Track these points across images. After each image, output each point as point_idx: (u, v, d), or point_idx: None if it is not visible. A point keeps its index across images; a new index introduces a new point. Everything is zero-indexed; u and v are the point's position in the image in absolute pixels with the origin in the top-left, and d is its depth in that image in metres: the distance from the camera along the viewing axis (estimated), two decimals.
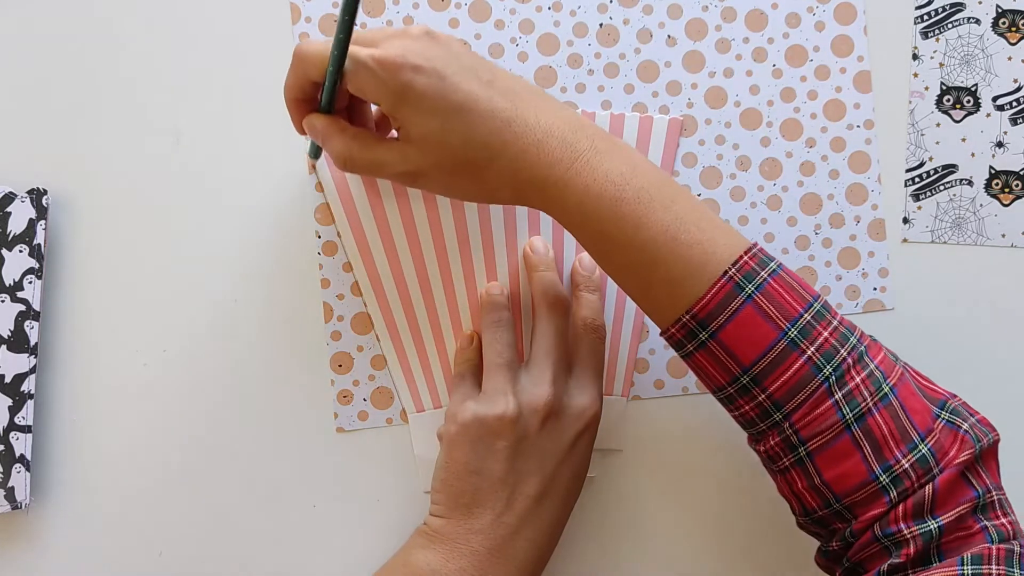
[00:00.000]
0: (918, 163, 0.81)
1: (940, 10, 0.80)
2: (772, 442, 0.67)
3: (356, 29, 0.64)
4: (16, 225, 0.75)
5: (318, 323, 0.80)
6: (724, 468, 0.81)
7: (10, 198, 0.75)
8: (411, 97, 0.64)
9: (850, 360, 0.64)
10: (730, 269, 0.65)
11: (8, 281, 0.75)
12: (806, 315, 0.65)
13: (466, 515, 0.71)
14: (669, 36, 0.80)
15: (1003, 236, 0.81)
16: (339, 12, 0.62)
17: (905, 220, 0.81)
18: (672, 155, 0.80)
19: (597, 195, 0.65)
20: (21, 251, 0.75)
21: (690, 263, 0.65)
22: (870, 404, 0.63)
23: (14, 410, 0.75)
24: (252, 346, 0.80)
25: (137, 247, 0.79)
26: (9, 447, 0.75)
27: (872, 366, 0.64)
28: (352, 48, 0.64)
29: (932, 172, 0.81)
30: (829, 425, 0.64)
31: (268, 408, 0.80)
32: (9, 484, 0.75)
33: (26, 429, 0.75)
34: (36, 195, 0.76)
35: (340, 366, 0.80)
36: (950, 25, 0.80)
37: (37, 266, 0.76)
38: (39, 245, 0.76)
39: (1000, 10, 0.80)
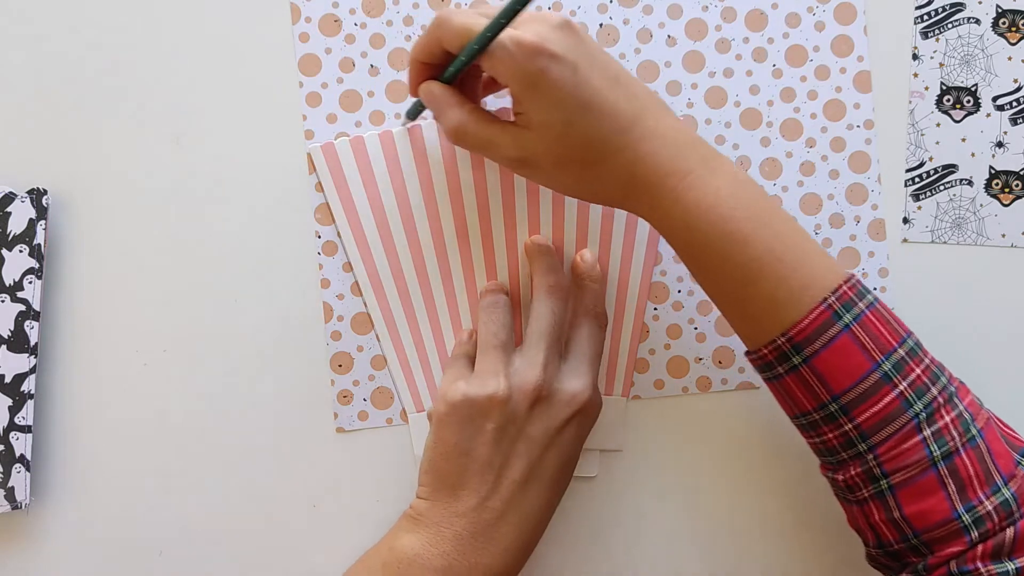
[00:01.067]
0: (918, 163, 0.81)
1: (940, 10, 0.80)
2: (853, 472, 0.67)
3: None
4: (16, 225, 0.75)
5: (318, 323, 0.80)
6: (724, 468, 0.81)
7: (10, 198, 0.75)
8: (542, 85, 0.65)
9: (941, 399, 0.65)
10: (830, 297, 0.65)
11: (8, 281, 0.75)
12: (900, 350, 0.66)
13: (451, 498, 0.70)
14: (669, 36, 0.80)
15: (1003, 236, 0.81)
16: None
17: (905, 220, 0.81)
18: None
19: (706, 210, 0.66)
20: (21, 251, 0.75)
21: (791, 286, 0.66)
22: (958, 444, 0.64)
23: (14, 410, 0.75)
24: (252, 346, 0.80)
25: (137, 247, 0.79)
26: (9, 447, 0.75)
27: (961, 407, 0.65)
28: None
29: (932, 172, 0.81)
30: (915, 461, 0.64)
31: (268, 408, 0.80)
32: (9, 484, 0.75)
33: (26, 429, 0.75)
34: (36, 195, 0.76)
35: (340, 366, 0.80)
36: (950, 25, 0.80)
37: (37, 266, 0.76)
38: (39, 245, 0.76)
39: (1000, 10, 0.80)
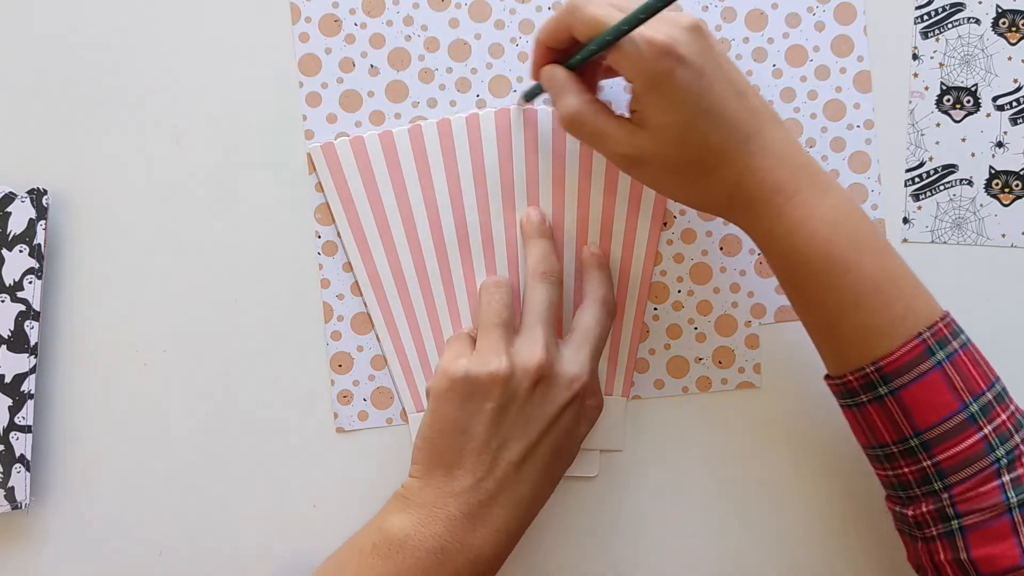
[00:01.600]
0: (918, 163, 0.81)
1: (940, 10, 0.80)
2: (924, 509, 0.67)
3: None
4: (16, 225, 0.75)
5: (318, 323, 0.80)
6: (724, 468, 0.81)
7: (10, 198, 0.75)
8: (666, 86, 0.65)
9: (1023, 447, 0.65)
10: (925, 332, 0.66)
11: (8, 281, 0.75)
12: (988, 394, 0.66)
13: (446, 477, 0.69)
14: None
15: (1003, 236, 0.81)
16: None
17: (905, 220, 0.81)
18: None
19: (811, 232, 0.67)
20: (21, 251, 0.75)
21: (888, 316, 0.66)
22: None
23: (14, 410, 0.75)
24: (252, 346, 0.80)
25: (137, 247, 0.79)
26: (9, 447, 0.75)
27: None
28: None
29: (932, 172, 0.81)
30: (991, 505, 0.64)
31: (268, 408, 0.80)
32: (9, 484, 0.75)
33: (26, 429, 0.75)
34: (36, 195, 0.76)
35: (340, 366, 0.80)
36: (950, 25, 0.80)
37: (37, 266, 0.76)
38: (39, 245, 0.76)
39: (1000, 10, 0.80)
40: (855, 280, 0.66)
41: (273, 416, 0.80)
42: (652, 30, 0.64)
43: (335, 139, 0.79)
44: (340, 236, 0.79)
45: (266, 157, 0.79)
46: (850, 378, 0.68)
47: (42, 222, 0.76)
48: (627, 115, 0.69)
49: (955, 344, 0.66)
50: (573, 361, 0.72)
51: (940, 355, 0.65)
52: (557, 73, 0.70)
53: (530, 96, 0.77)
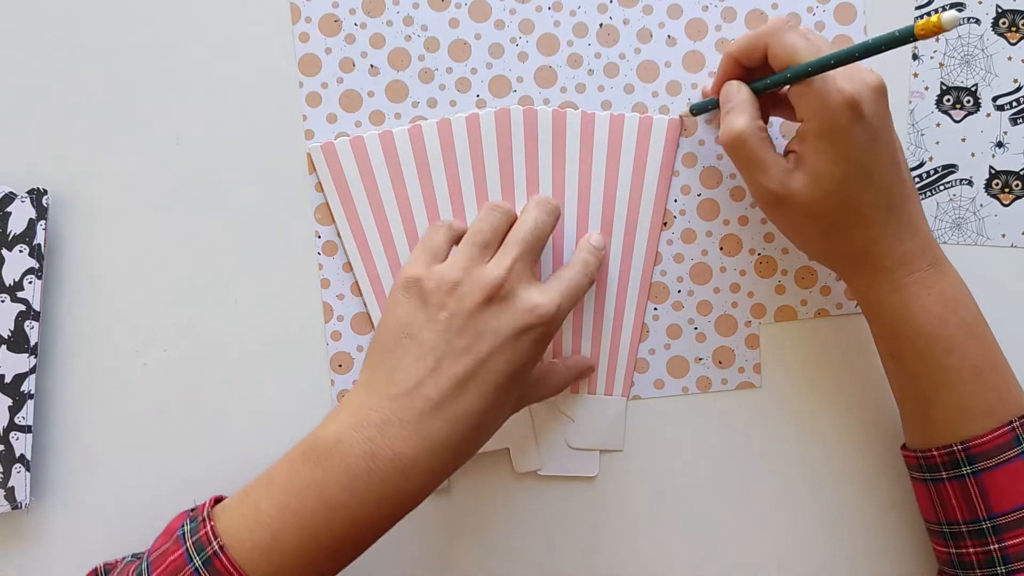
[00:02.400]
0: (918, 163, 0.81)
1: (940, 10, 0.80)
2: None
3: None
4: (16, 225, 0.75)
5: (318, 323, 0.80)
6: (723, 468, 0.81)
7: (10, 198, 0.75)
8: (839, 137, 0.67)
9: None
10: (1015, 420, 0.69)
11: (8, 281, 0.75)
12: None
13: (386, 381, 0.66)
14: (669, 36, 0.80)
15: (1003, 236, 0.81)
16: (872, 40, 0.65)
17: None
18: (672, 155, 0.80)
19: (924, 308, 0.69)
20: (21, 251, 0.75)
21: (983, 401, 0.69)
22: None
23: (14, 410, 0.75)
24: (252, 346, 0.80)
25: (137, 247, 0.79)
26: (9, 447, 0.75)
27: None
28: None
29: (932, 172, 0.81)
30: None
31: (268, 408, 0.80)
32: (9, 484, 0.75)
33: (26, 429, 0.75)
34: (36, 195, 0.76)
35: (340, 366, 0.80)
36: None
37: (37, 266, 0.76)
38: (39, 245, 0.76)
39: (1000, 10, 0.80)
40: (958, 361, 0.69)
41: (273, 416, 0.80)
42: (843, 79, 0.66)
43: (335, 139, 0.79)
44: (340, 236, 0.79)
45: (266, 157, 0.79)
46: (935, 453, 0.70)
47: (42, 222, 0.76)
48: (782, 152, 0.71)
49: None
50: (542, 290, 0.70)
51: None
52: (743, 90, 0.72)
53: (699, 110, 0.78)
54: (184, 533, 0.65)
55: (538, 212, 0.73)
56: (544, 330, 0.68)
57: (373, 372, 0.68)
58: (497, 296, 0.67)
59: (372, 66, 0.79)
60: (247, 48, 0.79)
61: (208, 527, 0.64)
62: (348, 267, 0.79)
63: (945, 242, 0.81)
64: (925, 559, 0.81)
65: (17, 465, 0.75)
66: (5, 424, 0.75)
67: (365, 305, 0.79)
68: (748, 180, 0.72)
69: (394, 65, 0.79)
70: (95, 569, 0.71)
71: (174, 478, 0.79)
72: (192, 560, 0.63)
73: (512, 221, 0.73)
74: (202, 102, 0.79)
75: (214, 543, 0.63)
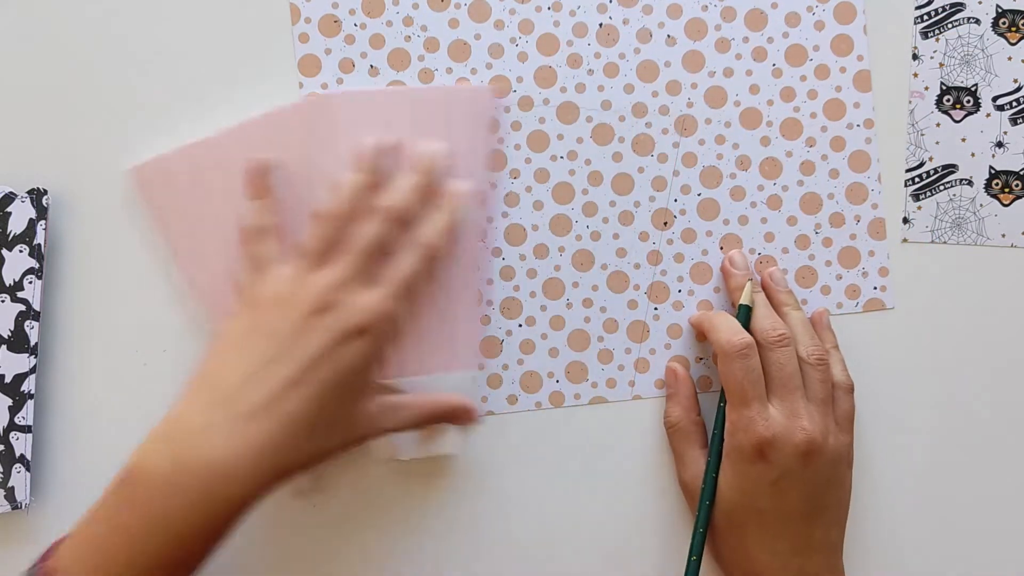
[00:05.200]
0: (918, 163, 0.81)
1: (940, 10, 0.80)
2: None
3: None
4: (16, 225, 0.75)
5: None
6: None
7: (10, 198, 0.75)
8: (738, 465, 0.74)
9: None
10: None
11: (8, 281, 0.75)
12: None
13: (212, 388, 0.67)
14: (669, 36, 0.80)
15: (1003, 236, 0.81)
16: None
17: (905, 220, 0.81)
18: (488, 122, 0.80)
19: None
20: (21, 251, 0.75)
21: None
22: None
23: (14, 410, 0.75)
24: None
25: (137, 247, 0.79)
26: (9, 447, 0.75)
27: None
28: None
29: (932, 172, 0.81)
30: None
31: None
32: (9, 484, 0.75)
33: (26, 429, 0.75)
34: (36, 195, 0.76)
35: None
36: (950, 25, 0.80)
37: (37, 266, 0.76)
38: (39, 245, 0.76)
39: (1000, 10, 0.80)
40: None
41: None
42: (766, 427, 0.72)
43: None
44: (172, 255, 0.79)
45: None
46: None
47: (42, 222, 0.76)
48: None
49: None
50: (371, 292, 0.69)
51: None
52: (687, 382, 0.81)
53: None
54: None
55: (376, 223, 0.71)
56: (375, 332, 0.68)
57: (202, 379, 0.68)
58: (323, 307, 0.68)
59: (372, 67, 0.79)
60: (247, 48, 0.79)
61: (40, 565, 0.66)
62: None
63: (945, 242, 0.81)
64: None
65: (17, 465, 0.75)
66: (5, 424, 0.75)
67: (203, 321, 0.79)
68: (676, 463, 0.80)
69: (394, 65, 0.79)
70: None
71: None
72: None
73: (342, 226, 0.72)
74: (202, 102, 0.79)
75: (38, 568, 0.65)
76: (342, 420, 0.69)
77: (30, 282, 0.75)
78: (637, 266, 0.80)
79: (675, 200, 0.80)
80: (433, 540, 0.80)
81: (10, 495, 0.75)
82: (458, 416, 0.74)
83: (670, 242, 0.80)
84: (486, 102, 0.79)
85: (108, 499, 0.66)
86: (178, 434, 0.65)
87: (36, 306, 0.76)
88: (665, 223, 0.80)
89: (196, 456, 0.63)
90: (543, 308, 0.81)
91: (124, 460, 0.76)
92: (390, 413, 0.71)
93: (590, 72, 0.80)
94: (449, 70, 0.79)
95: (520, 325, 0.81)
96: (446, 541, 0.80)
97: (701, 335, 0.80)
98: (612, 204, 0.80)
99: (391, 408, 0.72)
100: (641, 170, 0.80)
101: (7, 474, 0.75)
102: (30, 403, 0.75)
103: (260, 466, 0.64)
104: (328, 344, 0.67)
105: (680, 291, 0.81)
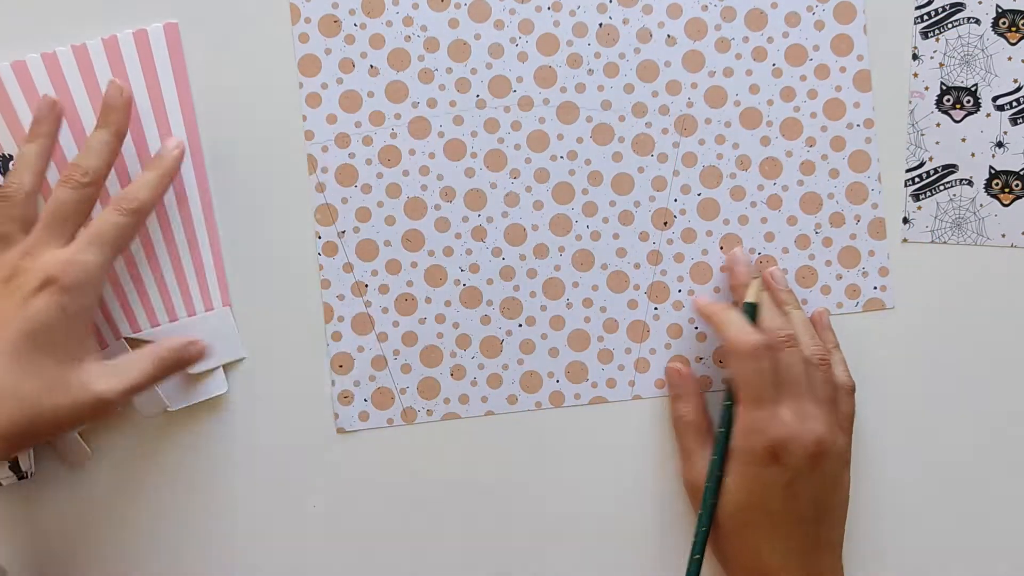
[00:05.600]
0: (918, 163, 0.81)
1: (940, 10, 0.80)
2: None
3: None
4: None
5: (318, 324, 0.80)
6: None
7: None
8: (749, 468, 0.74)
9: None
10: None
11: None
12: None
13: None
14: (669, 36, 0.80)
15: (1003, 236, 0.81)
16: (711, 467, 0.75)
17: (905, 220, 0.81)
18: (181, 64, 0.79)
19: None
20: None
21: None
22: None
23: None
24: (252, 346, 0.80)
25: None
26: None
27: None
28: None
29: (932, 172, 0.81)
30: None
31: (268, 408, 0.80)
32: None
33: None
34: (3, 161, 0.76)
35: (340, 366, 0.80)
36: (950, 25, 0.80)
37: None
38: None
39: (1000, 10, 0.80)
40: None
41: (273, 416, 0.80)
42: (779, 429, 0.72)
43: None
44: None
45: (266, 157, 0.79)
46: None
47: None
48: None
49: None
50: (52, 254, 0.69)
51: None
52: (691, 379, 0.80)
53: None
54: None
55: (62, 189, 0.71)
56: (62, 283, 0.68)
57: None
58: (13, 271, 0.68)
59: (372, 66, 0.79)
60: (247, 48, 0.79)
61: None
62: (349, 267, 0.79)
63: (945, 242, 0.81)
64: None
65: None
66: None
67: None
68: (680, 455, 0.80)
69: (394, 65, 0.79)
70: None
71: (173, 478, 0.80)
72: None
73: (24, 200, 0.72)
74: (202, 102, 0.79)
75: None
76: (54, 380, 0.68)
77: None
78: (637, 266, 0.80)
79: (675, 200, 0.80)
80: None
81: (14, 466, 0.76)
82: (187, 356, 0.75)
83: (670, 242, 0.80)
84: (173, 36, 0.79)
85: None
86: None
87: None
88: (665, 223, 0.80)
89: None
90: (543, 308, 0.81)
91: (123, 459, 0.77)
92: (115, 372, 0.70)
93: (590, 72, 0.80)
94: (449, 70, 0.79)
95: (520, 325, 0.81)
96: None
97: (706, 327, 0.81)
98: (612, 204, 0.80)
99: (115, 368, 0.71)
100: (641, 170, 0.80)
101: None
102: None
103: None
104: (16, 304, 0.67)
105: (680, 291, 0.81)
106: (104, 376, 0.69)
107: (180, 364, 0.74)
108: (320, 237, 0.79)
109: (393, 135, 0.80)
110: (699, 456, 0.77)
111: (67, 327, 0.68)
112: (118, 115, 0.74)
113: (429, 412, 0.80)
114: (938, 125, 0.81)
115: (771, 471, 0.72)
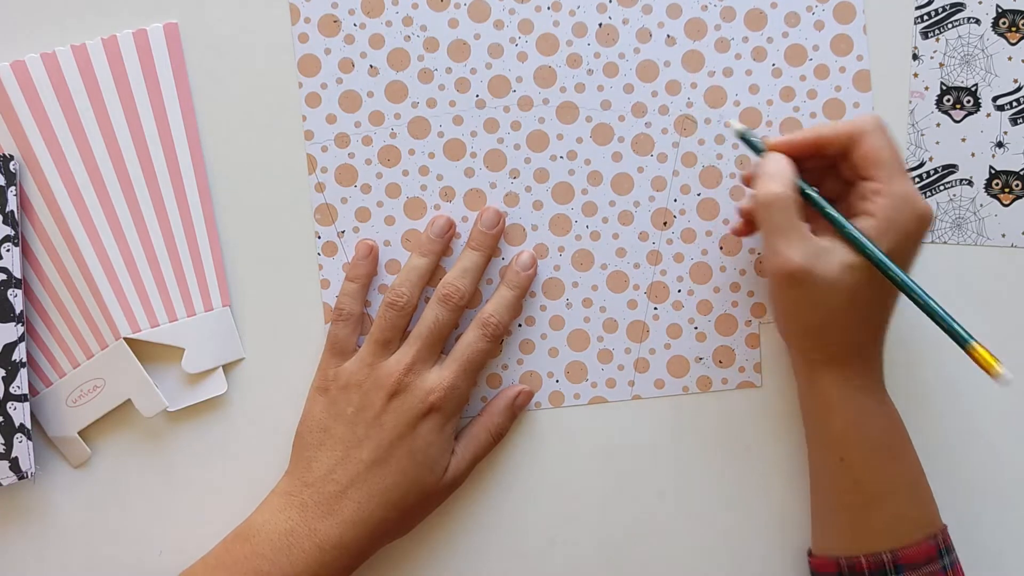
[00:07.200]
0: (918, 163, 0.81)
1: (940, 10, 0.80)
2: None
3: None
4: None
5: (318, 323, 0.80)
6: (723, 468, 0.81)
7: None
8: (904, 241, 0.70)
9: None
10: (939, 535, 0.72)
11: None
12: None
13: (305, 469, 0.75)
14: (668, 36, 0.80)
15: (1003, 236, 0.81)
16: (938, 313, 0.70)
17: None
18: (181, 64, 0.79)
19: (883, 413, 0.74)
20: None
21: (915, 512, 0.73)
22: None
23: (8, 380, 0.75)
24: (252, 346, 0.80)
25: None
26: (8, 418, 0.75)
27: None
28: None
29: (932, 172, 0.81)
30: None
31: (268, 408, 0.80)
32: (12, 455, 0.75)
33: (22, 398, 0.75)
34: (3, 161, 0.76)
35: None
36: (950, 25, 0.80)
37: (13, 233, 0.75)
38: (12, 212, 0.76)
39: (1000, 10, 0.80)
40: (901, 469, 0.73)
41: (273, 416, 0.80)
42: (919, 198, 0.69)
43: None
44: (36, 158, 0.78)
45: (266, 157, 0.80)
46: (861, 560, 0.71)
47: (12, 188, 0.76)
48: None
49: (954, 555, 0.73)
50: (437, 377, 0.76)
51: (947, 560, 0.71)
52: (786, 164, 0.71)
53: (745, 137, 0.75)
54: None
55: (440, 310, 0.77)
56: (443, 410, 0.76)
57: (295, 464, 0.77)
58: (397, 390, 0.75)
59: (371, 66, 0.79)
60: (247, 48, 0.79)
61: None
62: (349, 267, 0.79)
63: (945, 242, 0.81)
64: None
65: (18, 435, 0.75)
66: (1, 395, 0.75)
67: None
68: (767, 245, 0.70)
69: (393, 65, 0.80)
70: None
71: (173, 478, 0.80)
72: None
73: (411, 312, 0.78)
74: (201, 102, 0.79)
75: None
76: (427, 481, 0.76)
77: (8, 250, 0.75)
78: (637, 266, 0.80)
79: (675, 200, 0.80)
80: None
81: (15, 466, 0.76)
82: (519, 407, 0.81)
83: (670, 242, 0.80)
84: (173, 36, 0.79)
85: (220, 552, 0.75)
86: (286, 507, 0.75)
87: (16, 274, 0.76)
88: (665, 223, 0.80)
89: (303, 525, 0.73)
90: (543, 308, 0.81)
91: (123, 459, 0.77)
92: (462, 462, 0.78)
93: (590, 72, 0.80)
94: (449, 70, 0.80)
95: (520, 325, 0.81)
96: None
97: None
98: (612, 204, 0.80)
99: (461, 460, 0.78)
100: (641, 170, 0.80)
101: (9, 445, 0.75)
102: (23, 371, 0.76)
103: (351, 535, 0.74)
104: (401, 428, 0.75)
105: (680, 291, 0.80)
106: (453, 469, 0.78)
107: (513, 418, 0.81)
108: (320, 237, 0.80)
109: (393, 135, 0.80)
110: (799, 233, 0.69)
111: (441, 444, 0.76)
112: (491, 241, 0.79)
113: None
114: (938, 125, 0.81)
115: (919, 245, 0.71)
